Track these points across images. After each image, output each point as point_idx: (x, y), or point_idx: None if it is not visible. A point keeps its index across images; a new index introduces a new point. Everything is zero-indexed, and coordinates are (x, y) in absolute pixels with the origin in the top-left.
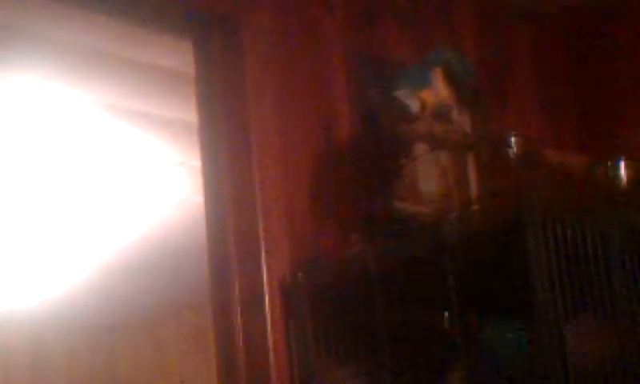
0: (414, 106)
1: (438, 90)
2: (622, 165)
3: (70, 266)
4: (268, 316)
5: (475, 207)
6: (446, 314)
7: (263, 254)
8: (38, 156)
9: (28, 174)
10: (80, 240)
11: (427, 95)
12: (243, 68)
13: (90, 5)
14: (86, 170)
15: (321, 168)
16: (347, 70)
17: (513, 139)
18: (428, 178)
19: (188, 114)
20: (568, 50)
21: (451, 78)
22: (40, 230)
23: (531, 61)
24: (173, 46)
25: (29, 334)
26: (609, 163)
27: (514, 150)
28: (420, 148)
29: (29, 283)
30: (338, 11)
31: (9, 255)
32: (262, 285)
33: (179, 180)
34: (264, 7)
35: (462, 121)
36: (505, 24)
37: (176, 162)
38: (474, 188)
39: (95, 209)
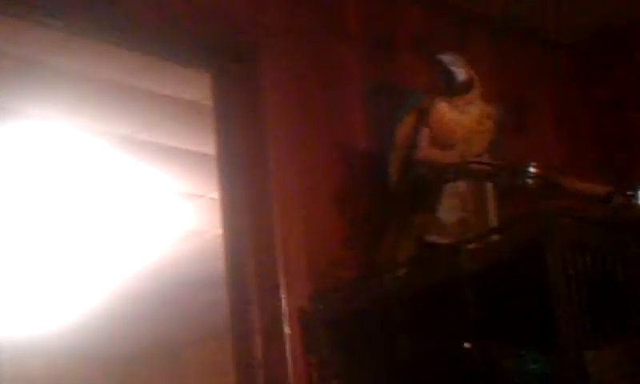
0: (460, 74)
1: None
2: None
3: (84, 294)
4: (288, 347)
5: (495, 236)
6: (467, 343)
7: (283, 285)
8: (54, 187)
9: (43, 204)
10: (95, 269)
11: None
12: (261, 99)
13: (107, 38)
14: (100, 200)
15: (340, 198)
16: (365, 99)
17: (532, 167)
18: (447, 207)
19: (205, 146)
20: (587, 78)
21: None
22: (55, 258)
23: (550, 88)
24: (190, 78)
25: (45, 362)
26: (628, 190)
27: (533, 178)
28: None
29: (44, 311)
30: (354, 40)
31: (24, 284)
32: (282, 316)
33: (195, 211)
34: (281, 38)
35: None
36: (523, 52)
37: (193, 193)
38: (493, 217)
39: (111, 238)
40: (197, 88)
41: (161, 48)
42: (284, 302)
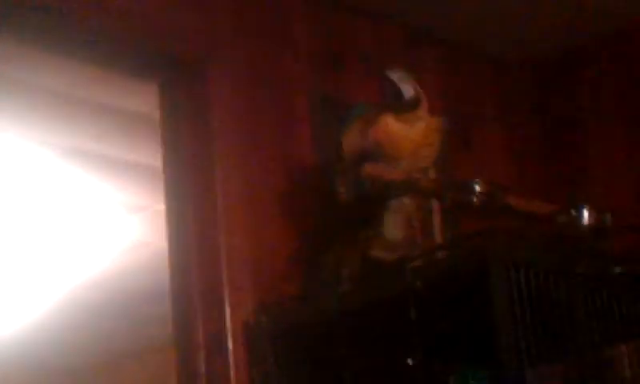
0: (408, 91)
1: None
2: (585, 212)
3: (29, 304)
4: (231, 360)
5: (439, 253)
6: (410, 359)
7: (227, 298)
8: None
9: None
10: (40, 279)
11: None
12: (208, 111)
13: (54, 48)
14: (46, 210)
15: (286, 212)
16: (313, 114)
17: (477, 185)
18: (393, 223)
19: (152, 157)
20: (536, 96)
21: None
22: None
23: (497, 107)
24: (137, 90)
25: None
26: (572, 210)
27: (479, 195)
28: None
29: None
30: (303, 53)
31: None
32: (226, 329)
33: (140, 223)
34: (229, 50)
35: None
36: (471, 70)
37: (139, 205)
38: (438, 234)
39: (55, 249)
40: (144, 99)
41: (108, 59)
42: (228, 316)
